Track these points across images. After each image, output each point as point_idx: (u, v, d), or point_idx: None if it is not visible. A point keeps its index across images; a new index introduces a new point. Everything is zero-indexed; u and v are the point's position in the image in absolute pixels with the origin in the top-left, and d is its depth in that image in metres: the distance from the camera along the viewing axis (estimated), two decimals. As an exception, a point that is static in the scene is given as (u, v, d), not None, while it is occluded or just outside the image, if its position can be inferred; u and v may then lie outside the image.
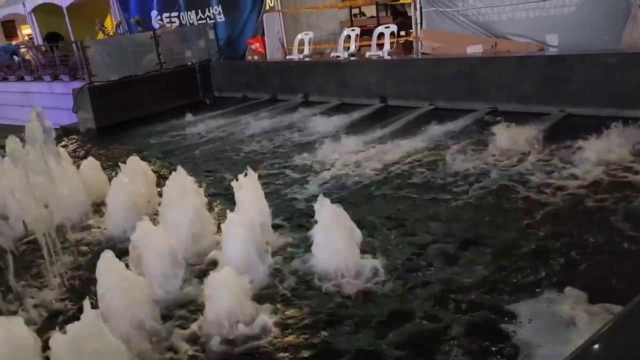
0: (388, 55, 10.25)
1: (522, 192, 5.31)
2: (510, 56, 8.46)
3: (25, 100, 18.18)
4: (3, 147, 4.75)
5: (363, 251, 4.21)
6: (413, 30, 10.51)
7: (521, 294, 3.56)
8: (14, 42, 24.27)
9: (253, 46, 13.01)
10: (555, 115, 7.37)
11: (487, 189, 5.48)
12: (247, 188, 4.71)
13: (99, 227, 5.62)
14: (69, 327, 2.93)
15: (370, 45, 10.85)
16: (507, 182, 5.58)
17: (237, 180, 4.74)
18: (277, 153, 7.88)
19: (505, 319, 3.33)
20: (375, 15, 13.39)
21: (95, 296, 3.58)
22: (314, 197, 4.64)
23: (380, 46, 10.52)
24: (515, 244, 4.28)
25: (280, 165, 7.17)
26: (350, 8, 13.76)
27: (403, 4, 12.27)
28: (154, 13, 15.67)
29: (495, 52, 8.88)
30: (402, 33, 10.89)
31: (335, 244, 4.04)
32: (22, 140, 4.73)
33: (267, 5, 13.10)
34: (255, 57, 12.95)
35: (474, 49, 9.07)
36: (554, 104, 7.55)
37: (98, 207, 6.06)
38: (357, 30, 11.25)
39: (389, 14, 13.58)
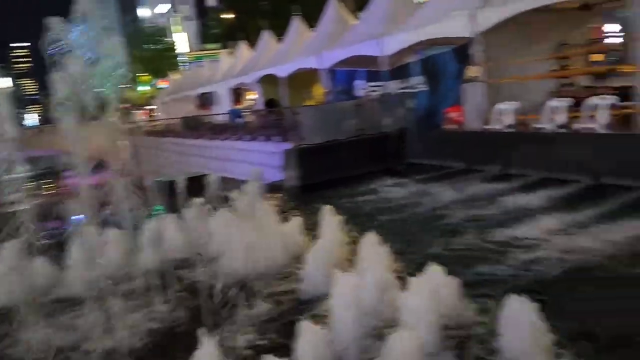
0: (603, 128, 9.26)
1: None
2: None
3: (242, 157, 20.69)
4: (226, 197, 5.39)
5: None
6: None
7: None
8: (238, 106, 28.18)
9: (451, 115, 13.00)
10: None
11: None
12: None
13: (295, 279, 5.84)
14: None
15: (579, 117, 9.96)
16: None
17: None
18: (471, 226, 7.54)
19: None
20: (590, 85, 12.40)
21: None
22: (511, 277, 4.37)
23: (592, 118, 9.58)
24: None
25: (474, 239, 6.82)
26: (561, 78, 12.99)
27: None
28: (357, 82, 16.80)
29: None
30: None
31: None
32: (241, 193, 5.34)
33: (469, 75, 13.06)
34: (453, 126, 12.89)
35: None
36: None
37: (297, 260, 6.35)
38: (569, 101, 10.44)
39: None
